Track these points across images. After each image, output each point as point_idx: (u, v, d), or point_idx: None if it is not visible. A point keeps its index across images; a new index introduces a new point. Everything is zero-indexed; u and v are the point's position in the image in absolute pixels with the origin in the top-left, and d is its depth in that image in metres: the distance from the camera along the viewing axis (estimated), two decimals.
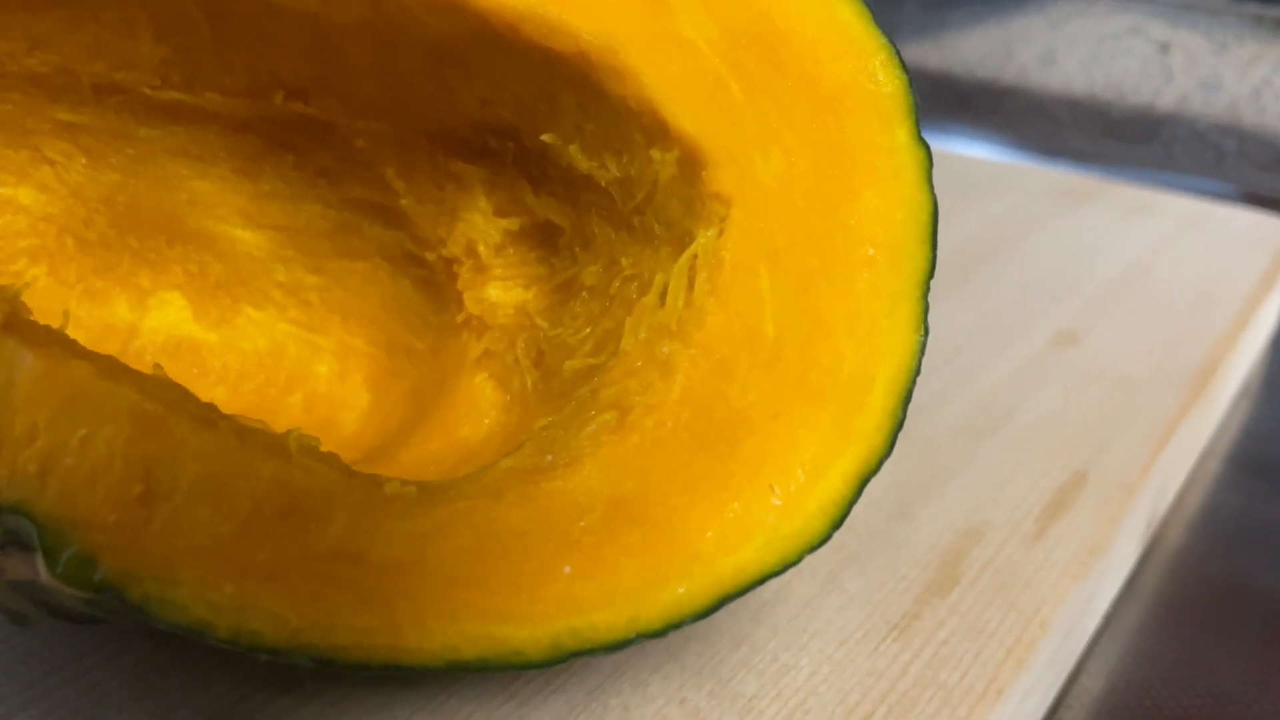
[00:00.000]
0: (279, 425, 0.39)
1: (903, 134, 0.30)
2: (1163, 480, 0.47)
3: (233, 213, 0.39)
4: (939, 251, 0.36)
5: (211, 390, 0.39)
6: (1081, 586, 0.38)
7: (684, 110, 0.30)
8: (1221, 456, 0.56)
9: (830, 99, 0.30)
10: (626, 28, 0.30)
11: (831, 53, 0.30)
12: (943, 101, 1.03)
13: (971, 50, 1.00)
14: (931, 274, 0.30)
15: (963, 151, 0.85)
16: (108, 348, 0.39)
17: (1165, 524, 0.50)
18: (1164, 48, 0.92)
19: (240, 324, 0.40)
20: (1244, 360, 0.59)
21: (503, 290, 0.38)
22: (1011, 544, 0.39)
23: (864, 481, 0.29)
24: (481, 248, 0.38)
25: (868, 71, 0.30)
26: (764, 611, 0.35)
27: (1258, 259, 0.64)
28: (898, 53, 0.31)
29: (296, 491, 0.26)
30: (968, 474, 0.43)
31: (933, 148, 0.31)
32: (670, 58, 0.30)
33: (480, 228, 0.38)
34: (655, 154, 0.31)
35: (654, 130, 0.31)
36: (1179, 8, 0.91)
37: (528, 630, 0.27)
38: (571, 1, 0.30)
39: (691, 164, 0.30)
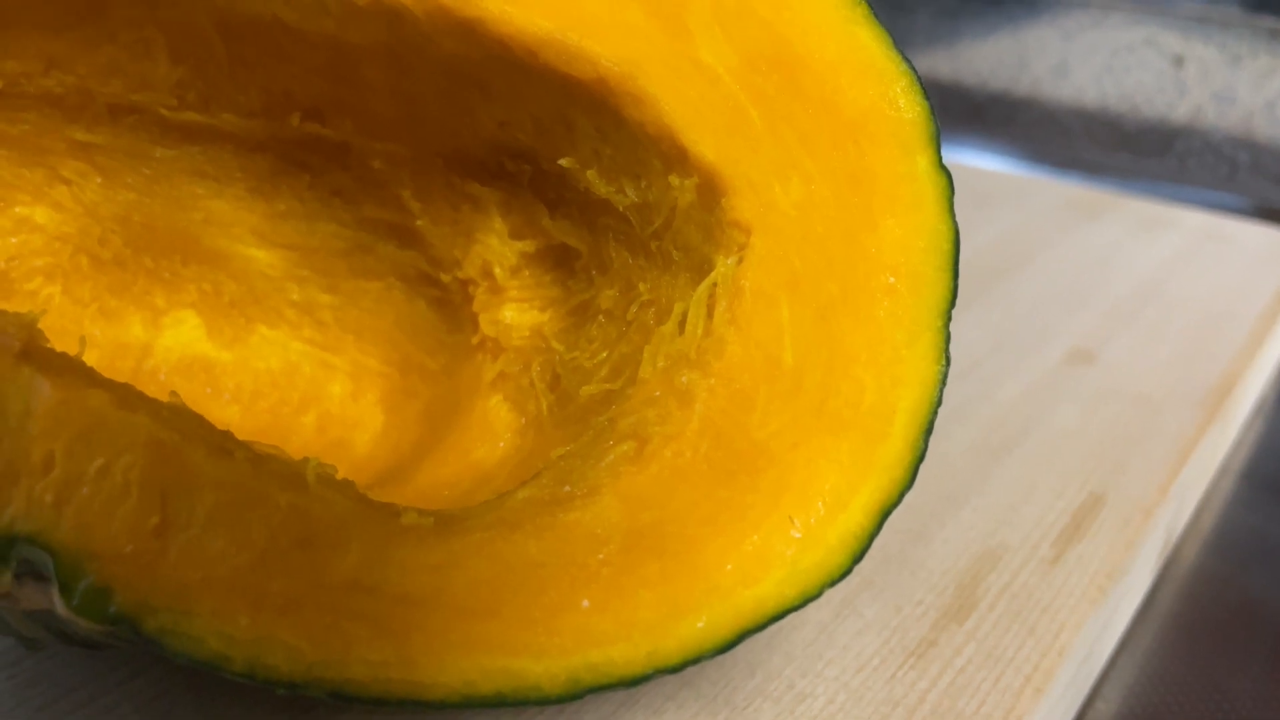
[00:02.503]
0: (292, 445, 0.38)
1: (924, 161, 0.30)
2: (1179, 501, 0.46)
3: (247, 232, 0.39)
4: None
5: (225, 410, 0.39)
6: (1099, 611, 0.38)
7: (703, 137, 0.30)
8: (1236, 474, 0.56)
9: (851, 126, 0.30)
10: (646, 54, 0.30)
11: (852, 79, 0.30)
12: (955, 112, 1.02)
13: (984, 61, 1.00)
14: (953, 303, 0.30)
15: (975, 163, 0.85)
16: (122, 366, 0.39)
17: (1181, 543, 0.50)
18: (1178, 60, 0.91)
19: (254, 343, 0.40)
20: (1259, 377, 0.59)
21: (518, 312, 0.38)
22: (1029, 568, 0.39)
23: (885, 514, 0.29)
24: (497, 269, 0.38)
25: (888, 98, 0.30)
26: (779, 638, 0.35)
27: (1272, 275, 0.64)
28: (919, 79, 0.31)
29: (313, 522, 0.26)
30: (984, 495, 0.43)
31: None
32: (689, 84, 0.30)
33: (496, 249, 0.38)
34: (674, 180, 0.31)
35: (673, 156, 0.31)
36: (1193, 20, 0.90)
37: (544, 664, 0.26)
38: (590, 28, 0.30)
39: (711, 191, 0.30)
